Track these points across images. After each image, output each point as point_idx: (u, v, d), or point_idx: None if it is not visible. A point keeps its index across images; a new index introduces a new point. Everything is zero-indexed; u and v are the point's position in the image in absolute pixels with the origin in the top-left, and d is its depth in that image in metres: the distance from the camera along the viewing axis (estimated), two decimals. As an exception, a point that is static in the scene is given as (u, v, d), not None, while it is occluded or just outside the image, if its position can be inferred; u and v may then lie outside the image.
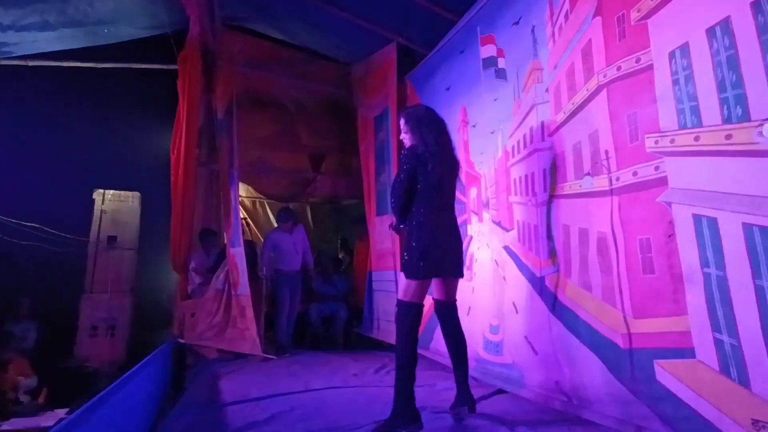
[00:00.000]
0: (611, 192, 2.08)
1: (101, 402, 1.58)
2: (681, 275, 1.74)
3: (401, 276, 2.21)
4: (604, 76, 2.14)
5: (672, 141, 1.79)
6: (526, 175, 2.77)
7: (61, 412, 3.63)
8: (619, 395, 1.98)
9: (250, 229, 6.58)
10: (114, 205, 5.33)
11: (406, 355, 2.04)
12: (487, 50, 3.25)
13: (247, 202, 6.90)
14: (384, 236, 4.38)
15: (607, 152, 2.12)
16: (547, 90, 2.61)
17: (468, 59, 3.49)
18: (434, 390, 2.78)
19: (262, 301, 4.56)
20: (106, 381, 4.16)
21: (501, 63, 3.10)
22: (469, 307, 3.30)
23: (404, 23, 4.29)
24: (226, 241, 4.56)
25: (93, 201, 5.27)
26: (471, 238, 3.42)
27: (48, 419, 3.47)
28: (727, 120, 1.60)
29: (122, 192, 5.40)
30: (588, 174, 2.23)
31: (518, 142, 2.88)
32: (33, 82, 4.91)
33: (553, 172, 2.51)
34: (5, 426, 3.35)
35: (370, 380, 3.15)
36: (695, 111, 1.71)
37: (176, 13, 4.18)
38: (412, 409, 1.97)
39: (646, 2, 1.93)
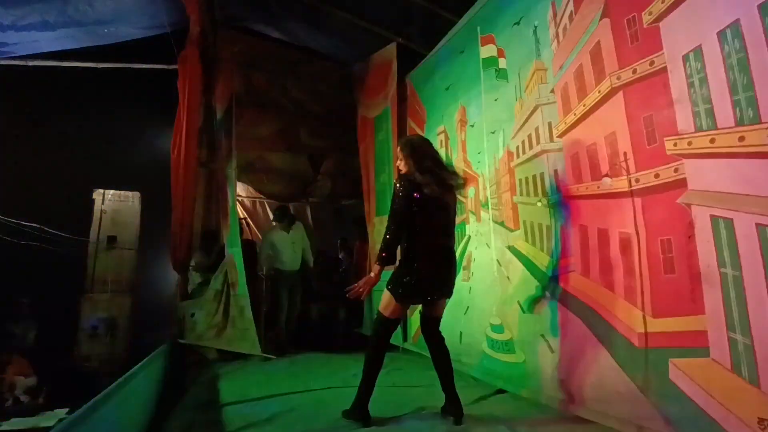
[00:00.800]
0: (632, 193, 2.09)
1: (101, 402, 1.58)
2: (699, 275, 1.76)
3: (386, 287, 2.25)
4: (618, 79, 2.15)
5: (689, 143, 1.81)
6: (534, 176, 2.76)
7: (61, 412, 3.63)
8: (628, 394, 1.99)
9: (249, 229, 6.57)
10: (114, 205, 5.32)
11: (372, 361, 2.22)
12: (488, 50, 3.25)
13: (247, 202, 6.90)
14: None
15: (625, 154, 2.13)
16: (552, 91, 2.61)
17: (468, 59, 3.49)
18: (434, 390, 2.77)
19: (262, 300, 4.56)
20: (106, 381, 4.16)
21: (501, 63, 3.10)
22: (467, 307, 3.30)
23: (404, 23, 4.29)
24: (224, 241, 4.56)
25: (93, 201, 5.27)
26: (468, 237, 3.42)
27: (47, 419, 3.47)
28: (740, 122, 1.62)
29: (122, 192, 5.39)
30: (606, 175, 2.24)
31: (522, 143, 2.88)
32: (33, 82, 4.90)
33: (566, 173, 2.51)
34: (5, 426, 3.35)
35: (370, 380, 3.14)
36: (710, 114, 1.73)
37: (176, 13, 4.19)
38: (364, 408, 2.18)
39: (657, 5, 1.94)
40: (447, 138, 3.84)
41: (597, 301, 2.25)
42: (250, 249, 5.13)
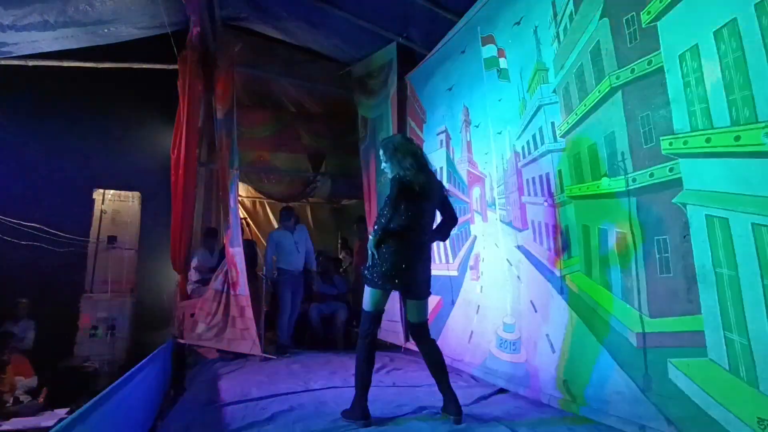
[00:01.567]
0: (628, 193, 2.10)
1: (101, 402, 1.58)
2: (695, 275, 1.76)
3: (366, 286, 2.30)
4: (617, 78, 2.16)
5: (685, 143, 1.82)
6: (540, 176, 2.77)
7: (61, 412, 3.63)
8: (628, 394, 1.99)
9: (250, 229, 6.58)
10: (114, 205, 5.33)
11: (364, 358, 2.24)
12: (488, 50, 3.25)
13: (247, 202, 6.90)
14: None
15: (623, 154, 2.13)
16: (554, 91, 2.62)
17: (469, 59, 3.48)
18: (434, 390, 2.77)
19: (262, 300, 4.56)
20: (106, 381, 4.16)
21: (503, 63, 3.10)
22: (478, 306, 3.30)
23: (404, 23, 4.29)
24: (225, 241, 4.56)
25: (93, 201, 5.28)
26: (475, 237, 3.41)
27: (48, 419, 3.47)
28: (735, 122, 1.62)
29: (122, 192, 5.40)
30: (605, 175, 2.25)
31: (528, 143, 2.88)
32: (33, 82, 4.90)
33: (570, 173, 2.52)
34: (5, 426, 3.35)
35: (370, 380, 3.15)
36: (706, 113, 1.73)
37: (176, 13, 4.19)
38: (363, 407, 2.18)
39: (655, 4, 1.95)
40: (448, 138, 3.83)
41: (599, 301, 2.26)
42: (250, 249, 5.14)
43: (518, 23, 2.91)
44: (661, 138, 1.92)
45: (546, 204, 2.71)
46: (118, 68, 4.90)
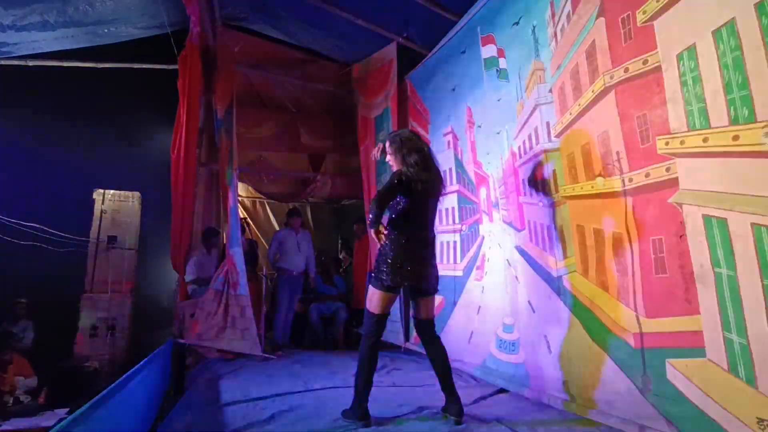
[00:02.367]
0: (624, 193, 2.10)
1: (101, 402, 1.58)
2: (692, 275, 1.76)
3: (370, 285, 2.30)
4: (611, 78, 2.15)
5: (682, 142, 1.81)
6: (535, 176, 2.77)
7: (61, 412, 3.63)
8: (627, 395, 1.99)
9: (250, 229, 6.58)
10: (114, 205, 5.33)
11: (367, 359, 2.23)
12: (488, 50, 3.25)
13: (247, 202, 6.90)
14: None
15: (618, 153, 2.13)
16: (550, 90, 2.62)
17: (470, 59, 3.49)
18: (434, 390, 2.77)
19: (262, 300, 4.56)
20: (106, 381, 4.16)
21: (502, 63, 3.10)
22: (479, 306, 3.30)
23: (404, 23, 4.29)
24: (225, 241, 4.56)
25: (93, 201, 5.27)
26: (482, 237, 3.41)
27: (48, 419, 3.47)
28: (734, 121, 1.62)
29: (122, 192, 5.40)
30: (600, 175, 2.24)
31: (524, 143, 2.88)
32: (33, 82, 4.90)
33: (564, 173, 2.52)
34: (5, 426, 3.35)
35: (370, 380, 3.14)
36: (703, 112, 1.73)
37: (176, 13, 4.18)
38: (364, 408, 2.18)
39: (651, 4, 1.94)
40: (456, 139, 3.82)
41: (595, 301, 2.26)
42: (250, 248, 5.14)
43: (517, 23, 2.91)
44: (657, 137, 1.92)
45: (541, 204, 2.71)
46: (118, 68, 4.90)
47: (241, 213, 6.32)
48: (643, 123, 1.99)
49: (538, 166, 2.74)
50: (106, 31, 4.17)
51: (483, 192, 3.43)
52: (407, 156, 2.26)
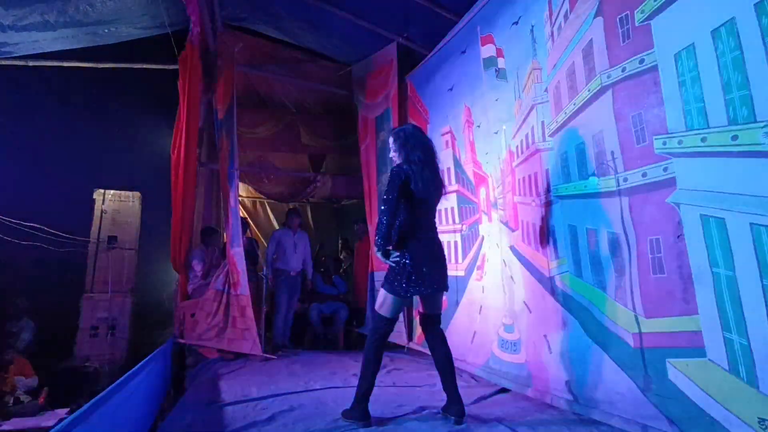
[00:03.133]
0: (619, 193, 2.09)
1: (101, 402, 1.58)
2: (691, 275, 1.75)
3: (382, 288, 2.27)
4: (608, 77, 2.15)
5: (680, 142, 1.81)
6: (529, 176, 2.77)
7: (61, 412, 3.64)
8: (629, 395, 1.98)
9: (250, 229, 6.58)
10: (114, 205, 5.33)
11: (371, 361, 2.21)
12: (487, 50, 3.25)
13: (247, 202, 6.91)
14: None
15: (612, 153, 2.12)
16: (546, 90, 2.62)
17: (470, 59, 3.49)
18: (434, 390, 2.78)
19: (263, 300, 4.56)
20: (106, 381, 4.16)
21: (501, 63, 3.10)
22: (480, 306, 3.30)
23: (404, 23, 4.29)
24: (226, 241, 4.56)
25: (93, 201, 5.28)
26: (482, 237, 3.42)
27: (48, 419, 3.47)
28: (733, 121, 1.61)
29: (122, 192, 5.40)
30: (593, 175, 2.24)
31: (521, 143, 2.88)
32: (33, 82, 4.91)
33: (557, 173, 2.51)
34: (5, 426, 3.35)
35: (370, 380, 3.14)
36: (702, 112, 1.72)
37: (176, 13, 4.18)
38: (364, 407, 2.17)
39: (650, 3, 1.94)
40: (454, 138, 3.83)
41: (593, 301, 2.25)
42: (250, 246, 5.14)
43: (516, 23, 2.91)
44: (654, 137, 1.92)
45: (534, 204, 2.71)
46: (118, 68, 4.91)
47: (241, 213, 6.31)
48: (639, 122, 1.99)
49: (532, 165, 2.74)
50: (106, 31, 4.17)
51: (482, 192, 3.43)
52: (411, 152, 2.25)
